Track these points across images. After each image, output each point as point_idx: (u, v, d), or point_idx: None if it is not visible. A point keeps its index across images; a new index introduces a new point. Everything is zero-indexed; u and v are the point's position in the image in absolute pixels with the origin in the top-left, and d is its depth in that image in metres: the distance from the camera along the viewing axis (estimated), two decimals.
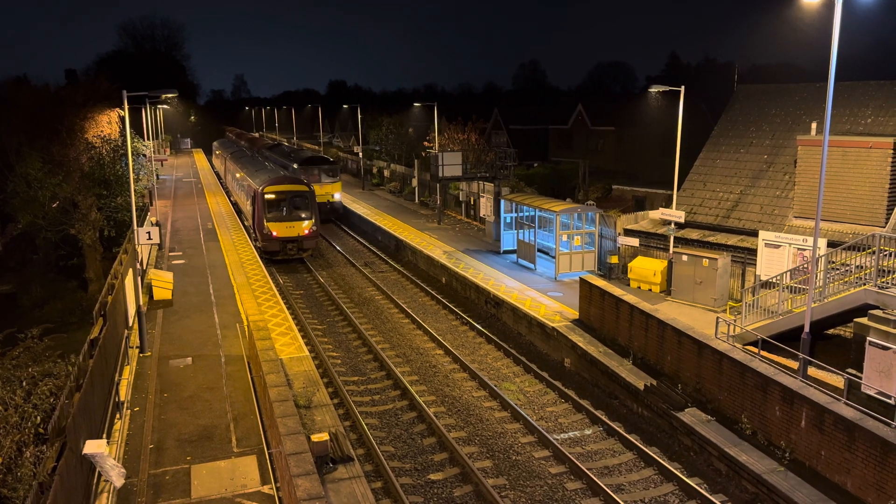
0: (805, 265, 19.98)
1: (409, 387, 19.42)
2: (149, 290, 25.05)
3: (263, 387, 15.27)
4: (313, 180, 43.73)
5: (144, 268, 27.05)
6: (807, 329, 17.03)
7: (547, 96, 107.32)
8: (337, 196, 47.02)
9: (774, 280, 20.21)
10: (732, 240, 24.96)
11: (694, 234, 26.27)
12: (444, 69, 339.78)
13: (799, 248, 21.28)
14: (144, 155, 48.28)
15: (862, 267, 17.79)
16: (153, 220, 36.22)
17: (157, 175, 56.15)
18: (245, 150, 63.62)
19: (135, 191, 22.10)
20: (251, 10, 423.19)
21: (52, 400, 11.71)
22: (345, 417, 17.72)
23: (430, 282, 31.31)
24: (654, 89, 31.55)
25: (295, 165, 47.47)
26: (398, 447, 16.42)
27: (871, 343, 15.74)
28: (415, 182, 50.78)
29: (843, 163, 22.62)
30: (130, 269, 21.41)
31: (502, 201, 33.27)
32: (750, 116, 28.91)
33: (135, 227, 20.57)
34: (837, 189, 22.70)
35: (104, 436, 13.85)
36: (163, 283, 25.34)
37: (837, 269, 18.57)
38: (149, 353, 19.73)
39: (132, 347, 19.79)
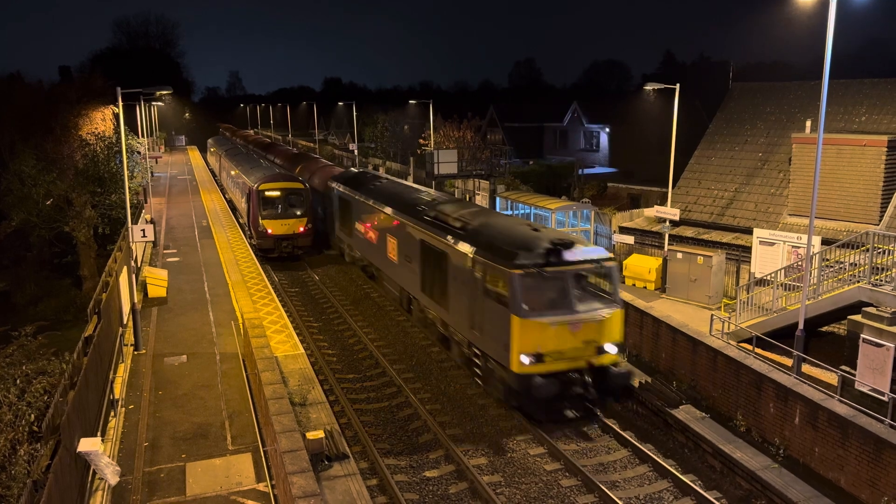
0: (799, 263, 20.06)
1: (405, 384, 19.43)
2: (143, 287, 24.99)
3: (258, 384, 15.25)
4: (565, 310, 16.15)
5: (139, 265, 26.97)
6: (801, 326, 17.09)
7: (543, 94, 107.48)
8: (612, 350, 16.57)
9: (769, 277, 20.29)
10: (727, 237, 25.04)
11: (689, 232, 26.33)
12: (440, 67, 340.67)
13: (793, 246, 21.35)
14: (139, 152, 48.14)
15: (856, 264, 17.87)
16: (148, 217, 36.15)
17: (152, 172, 55.99)
18: (241, 147, 63.27)
19: (129, 188, 22.04)
20: (245, 7, 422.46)
21: (46, 398, 11.71)
22: (340, 415, 17.69)
23: None
24: (649, 87, 31.58)
25: (515, 270, 15.88)
26: (394, 444, 16.41)
27: (864, 340, 15.83)
28: (410, 179, 50.75)
29: (837, 161, 22.70)
30: (125, 267, 21.34)
31: (498, 199, 33.30)
32: (745, 114, 28.97)
33: (129, 224, 20.50)
34: (832, 187, 22.78)
35: (99, 434, 13.82)
36: (157, 281, 25.29)
37: (831, 267, 18.66)
38: (143, 351, 19.68)
39: (127, 345, 19.73)
